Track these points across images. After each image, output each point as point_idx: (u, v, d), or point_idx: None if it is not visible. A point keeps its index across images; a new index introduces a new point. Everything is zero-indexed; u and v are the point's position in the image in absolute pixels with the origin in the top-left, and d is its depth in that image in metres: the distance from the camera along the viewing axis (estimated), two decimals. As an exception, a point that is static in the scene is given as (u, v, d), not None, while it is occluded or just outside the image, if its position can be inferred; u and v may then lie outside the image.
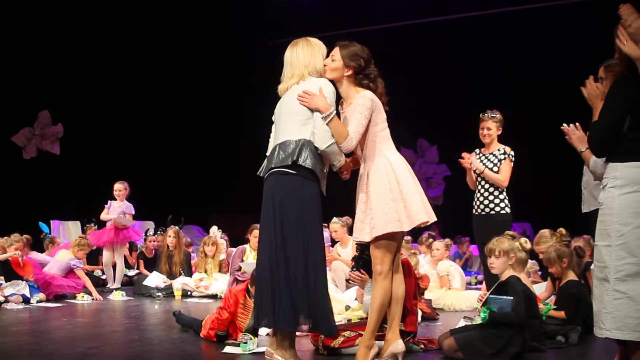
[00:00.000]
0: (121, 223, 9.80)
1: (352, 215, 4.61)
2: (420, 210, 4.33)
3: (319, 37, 4.57)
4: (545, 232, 6.76)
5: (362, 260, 5.42)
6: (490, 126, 6.57)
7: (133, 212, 10.07)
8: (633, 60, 3.60)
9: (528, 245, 5.45)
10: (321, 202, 4.37)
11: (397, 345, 4.43)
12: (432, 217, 4.42)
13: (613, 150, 3.72)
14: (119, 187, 10.05)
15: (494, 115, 6.58)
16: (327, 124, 4.26)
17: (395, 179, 4.34)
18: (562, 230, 6.48)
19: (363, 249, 5.44)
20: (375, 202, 4.33)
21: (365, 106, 4.36)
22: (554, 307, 5.77)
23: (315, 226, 4.28)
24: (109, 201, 10.01)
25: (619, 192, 3.66)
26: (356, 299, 6.80)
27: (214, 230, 10.26)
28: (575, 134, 4.40)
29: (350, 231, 8.94)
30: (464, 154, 6.62)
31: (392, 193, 4.30)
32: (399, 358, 4.43)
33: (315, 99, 4.29)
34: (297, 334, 4.64)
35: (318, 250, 4.27)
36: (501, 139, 6.68)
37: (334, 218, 8.77)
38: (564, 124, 4.51)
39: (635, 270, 3.57)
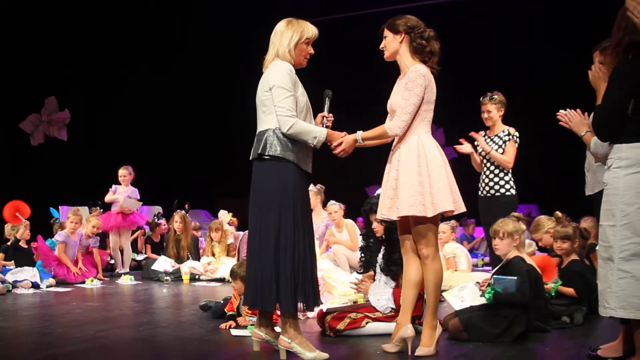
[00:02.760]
0: (128, 207, 9.85)
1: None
2: (446, 198, 4.27)
3: (319, 21, 4.52)
4: (542, 218, 6.78)
5: (370, 250, 5.44)
6: (490, 108, 6.56)
7: (138, 197, 10.10)
8: (634, 42, 3.62)
9: None
10: (302, 184, 4.31)
11: (407, 329, 4.42)
12: (459, 208, 4.37)
13: (617, 132, 3.72)
14: (124, 173, 10.11)
15: (493, 97, 6.56)
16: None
17: (426, 162, 4.28)
18: (558, 213, 6.49)
19: (367, 236, 5.46)
20: (402, 182, 4.29)
21: (416, 82, 4.29)
22: (559, 283, 5.79)
23: (289, 209, 4.20)
24: (114, 185, 10.07)
25: (624, 173, 3.67)
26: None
27: (223, 214, 10.32)
28: (575, 118, 4.40)
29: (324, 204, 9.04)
30: (461, 140, 6.60)
31: (420, 176, 4.25)
32: (408, 343, 4.42)
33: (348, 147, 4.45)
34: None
35: (292, 231, 4.19)
36: (507, 121, 6.67)
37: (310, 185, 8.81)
38: (560, 111, 4.52)
39: (639, 250, 3.59)
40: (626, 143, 3.68)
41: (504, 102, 6.59)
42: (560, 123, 4.52)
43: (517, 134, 6.51)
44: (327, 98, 4.49)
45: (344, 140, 4.44)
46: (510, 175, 6.50)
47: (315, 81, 4.78)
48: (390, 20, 4.48)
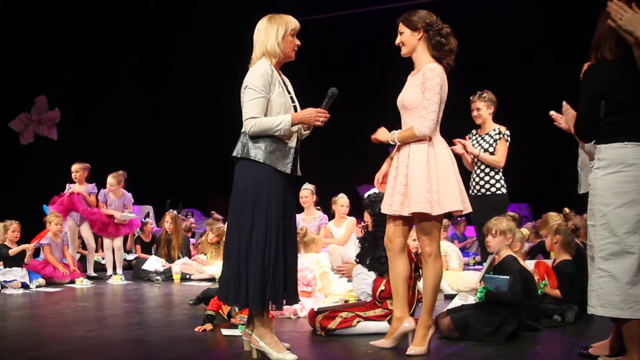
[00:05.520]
0: (124, 221, 9.70)
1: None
2: (454, 197, 4.28)
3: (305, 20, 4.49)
4: (550, 214, 6.78)
5: (368, 242, 5.43)
6: (480, 106, 6.56)
7: (132, 202, 9.94)
8: (608, 44, 3.69)
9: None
10: (279, 184, 4.23)
11: (405, 324, 4.45)
12: (467, 208, 4.39)
13: (594, 133, 3.80)
14: (112, 182, 9.71)
15: (483, 95, 6.57)
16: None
17: (435, 161, 4.29)
18: (566, 209, 6.49)
19: (367, 229, 5.46)
20: (412, 178, 4.30)
21: (434, 82, 4.29)
22: (545, 282, 5.81)
23: (262, 210, 4.17)
24: (102, 191, 9.74)
25: (602, 173, 3.74)
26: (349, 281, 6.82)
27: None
28: (568, 114, 4.41)
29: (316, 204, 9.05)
30: (455, 141, 6.60)
31: (429, 174, 4.26)
32: (409, 336, 4.45)
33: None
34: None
35: (264, 231, 4.16)
36: (498, 119, 6.66)
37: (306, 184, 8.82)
38: (552, 111, 4.53)
39: (617, 250, 3.65)
40: (604, 144, 3.75)
41: (494, 101, 6.59)
42: (555, 123, 4.54)
43: (508, 132, 6.51)
44: (329, 95, 4.38)
45: (378, 134, 4.54)
46: (501, 174, 6.49)
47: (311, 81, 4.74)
48: (406, 15, 4.46)
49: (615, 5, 3.53)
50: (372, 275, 5.20)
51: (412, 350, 4.35)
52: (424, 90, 4.32)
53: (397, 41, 4.50)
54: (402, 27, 4.47)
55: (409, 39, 4.44)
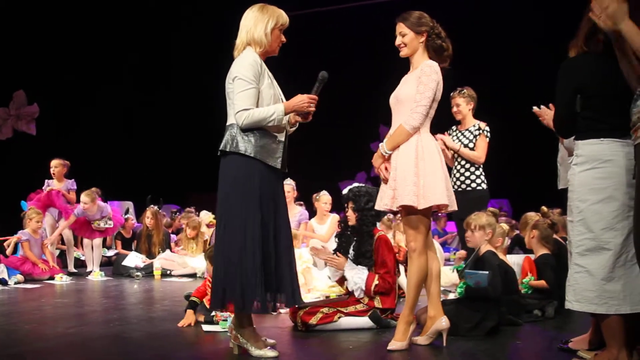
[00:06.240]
0: (101, 228, 9.62)
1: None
2: (439, 192, 4.27)
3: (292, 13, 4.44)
4: (529, 214, 6.81)
5: (344, 237, 5.44)
6: (459, 102, 6.60)
7: (109, 211, 9.79)
8: (586, 38, 3.72)
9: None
10: (269, 179, 4.18)
11: (441, 322, 4.44)
12: (452, 203, 4.38)
13: (572, 128, 3.82)
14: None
15: (462, 91, 6.60)
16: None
17: (423, 156, 4.28)
18: (544, 208, 6.54)
19: (345, 224, 5.46)
20: (400, 173, 4.30)
21: (431, 78, 4.29)
22: (531, 278, 5.84)
23: (254, 206, 4.09)
24: (78, 208, 9.54)
25: (578, 170, 3.76)
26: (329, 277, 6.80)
27: (204, 214, 10.26)
28: (548, 114, 4.47)
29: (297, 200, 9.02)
30: (435, 136, 6.60)
31: (417, 168, 4.26)
32: (444, 335, 4.45)
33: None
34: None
35: (259, 229, 4.08)
36: (478, 115, 6.69)
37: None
38: (535, 107, 4.56)
39: (593, 245, 3.67)
40: (581, 140, 3.78)
41: (474, 97, 6.62)
42: (540, 119, 4.57)
43: (488, 128, 6.54)
44: (319, 80, 4.29)
45: (373, 160, 4.47)
46: (481, 169, 6.53)
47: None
48: (407, 16, 4.43)
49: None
50: (366, 271, 5.21)
51: (393, 345, 4.35)
52: (418, 84, 4.31)
53: (398, 42, 4.46)
54: (404, 29, 4.43)
55: (412, 42, 4.43)
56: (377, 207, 4.60)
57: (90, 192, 9.47)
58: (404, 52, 4.48)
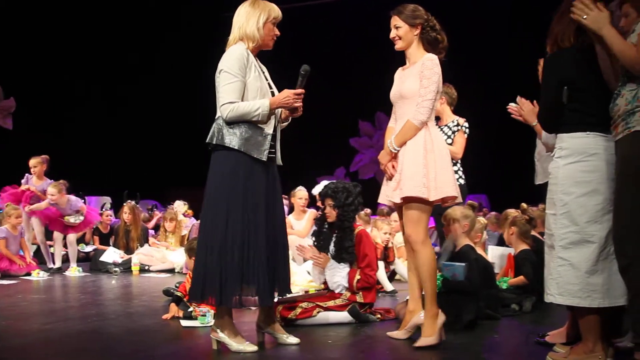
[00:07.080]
0: (72, 223, 9.50)
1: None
2: (450, 185, 4.28)
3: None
4: (507, 211, 6.86)
5: (322, 235, 5.44)
6: None
7: (79, 204, 9.56)
8: (569, 35, 3.72)
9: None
10: (255, 172, 4.16)
11: (420, 316, 4.41)
12: (459, 196, 4.40)
13: (558, 122, 3.82)
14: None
15: None
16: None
17: (432, 149, 4.29)
18: (524, 205, 6.58)
19: (322, 221, 5.46)
20: (407, 165, 4.29)
21: (433, 71, 4.31)
22: (509, 277, 5.91)
23: (238, 199, 4.09)
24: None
25: (563, 162, 3.77)
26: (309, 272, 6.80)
27: (178, 204, 10.21)
28: (524, 108, 4.50)
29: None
30: None
31: (426, 160, 4.25)
32: (422, 329, 4.40)
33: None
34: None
35: (240, 223, 4.08)
36: (457, 112, 6.72)
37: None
38: (511, 104, 4.59)
39: (577, 239, 3.69)
40: (566, 133, 3.78)
41: (450, 93, 6.62)
42: (513, 116, 4.60)
43: (466, 124, 6.56)
44: (302, 74, 4.28)
45: (379, 157, 4.48)
46: (459, 165, 6.55)
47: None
48: (402, 9, 4.44)
49: (581, 4, 3.56)
50: (346, 267, 5.21)
51: (421, 342, 4.28)
52: (422, 79, 4.32)
53: (393, 35, 4.47)
54: (398, 22, 4.44)
55: (407, 35, 4.43)
56: (380, 201, 4.60)
57: (57, 184, 9.29)
58: (398, 45, 4.49)
